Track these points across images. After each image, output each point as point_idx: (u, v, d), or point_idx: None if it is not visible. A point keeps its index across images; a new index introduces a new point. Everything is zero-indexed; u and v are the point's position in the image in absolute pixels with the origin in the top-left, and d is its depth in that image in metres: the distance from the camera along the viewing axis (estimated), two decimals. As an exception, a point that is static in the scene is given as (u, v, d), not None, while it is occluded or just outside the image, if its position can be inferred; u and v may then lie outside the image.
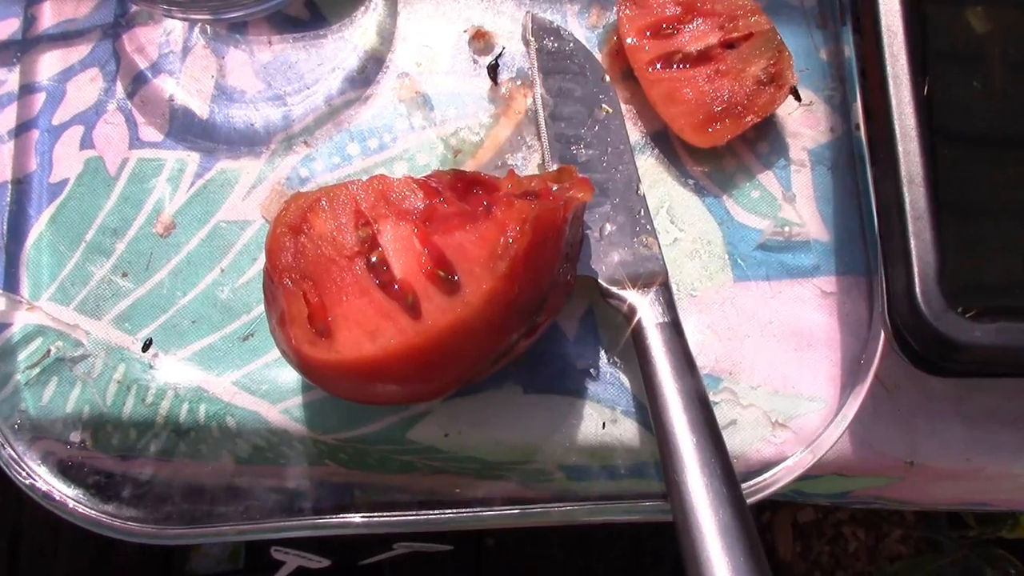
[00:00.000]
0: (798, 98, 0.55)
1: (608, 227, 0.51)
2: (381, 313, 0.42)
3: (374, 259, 0.42)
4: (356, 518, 0.51)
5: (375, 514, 0.51)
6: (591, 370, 0.51)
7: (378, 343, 0.41)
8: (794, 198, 0.54)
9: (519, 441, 0.51)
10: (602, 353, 0.52)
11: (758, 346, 0.52)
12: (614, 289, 0.50)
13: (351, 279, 0.43)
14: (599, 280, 0.50)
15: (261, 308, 0.52)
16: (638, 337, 0.48)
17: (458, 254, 0.42)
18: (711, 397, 0.50)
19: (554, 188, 0.45)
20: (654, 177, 0.55)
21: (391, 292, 0.42)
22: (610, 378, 0.51)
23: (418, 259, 0.42)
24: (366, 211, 0.44)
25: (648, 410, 0.47)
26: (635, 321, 0.48)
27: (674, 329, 0.48)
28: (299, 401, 0.51)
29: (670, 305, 0.49)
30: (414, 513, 0.50)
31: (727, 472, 0.45)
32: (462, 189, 0.46)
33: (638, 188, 0.53)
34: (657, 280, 0.50)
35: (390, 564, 1.19)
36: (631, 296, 0.49)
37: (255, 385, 0.52)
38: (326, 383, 0.44)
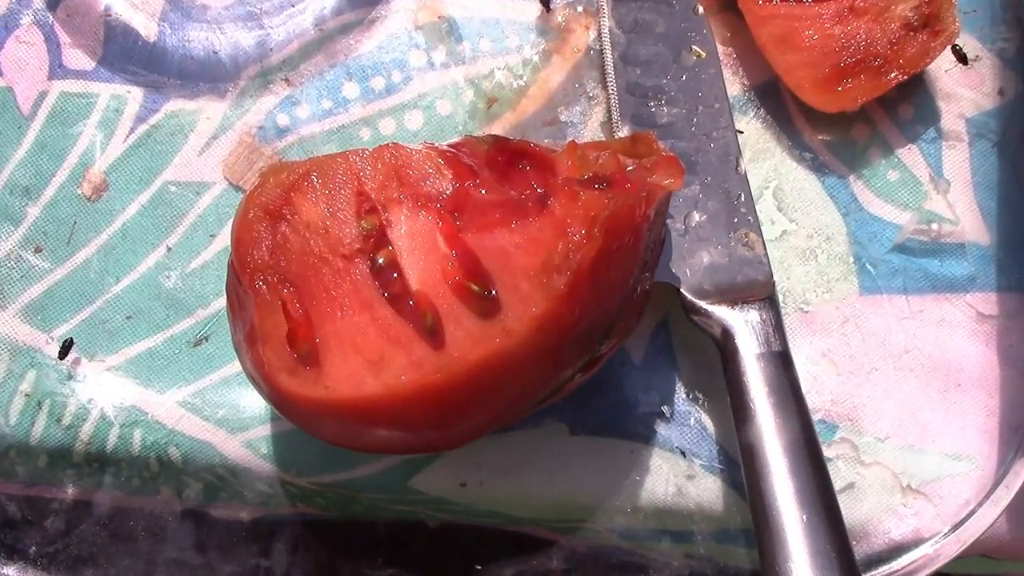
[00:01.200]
0: (961, 58, 0.51)
1: (696, 217, 0.49)
2: (388, 337, 0.39)
3: (381, 261, 0.40)
4: None
5: None
6: (663, 408, 0.49)
7: (383, 379, 0.39)
8: (946, 185, 0.52)
9: (561, 497, 0.49)
10: (679, 385, 0.50)
11: (889, 384, 0.49)
12: (701, 303, 0.47)
13: (349, 288, 0.40)
14: (681, 290, 0.47)
15: (220, 302, 0.50)
16: (731, 368, 0.46)
17: (498, 262, 0.39)
18: (824, 450, 0.47)
19: (629, 167, 0.42)
20: (759, 148, 0.52)
21: (403, 309, 0.40)
22: (689, 420, 0.49)
23: (443, 265, 0.40)
24: (372, 193, 0.41)
25: (740, 467, 0.45)
26: (728, 347, 0.46)
27: (781, 360, 0.46)
28: (267, 432, 0.50)
29: (777, 328, 0.46)
30: None
31: (844, 560, 0.43)
32: (504, 165, 0.43)
33: (738, 164, 0.50)
34: (760, 292, 0.47)
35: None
36: (723, 314, 0.47)
37: (209, 408, 0.50)
38: (308, 425, 0.42)
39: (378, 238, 0.41)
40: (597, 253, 0.38)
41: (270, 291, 0.41)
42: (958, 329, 0.50)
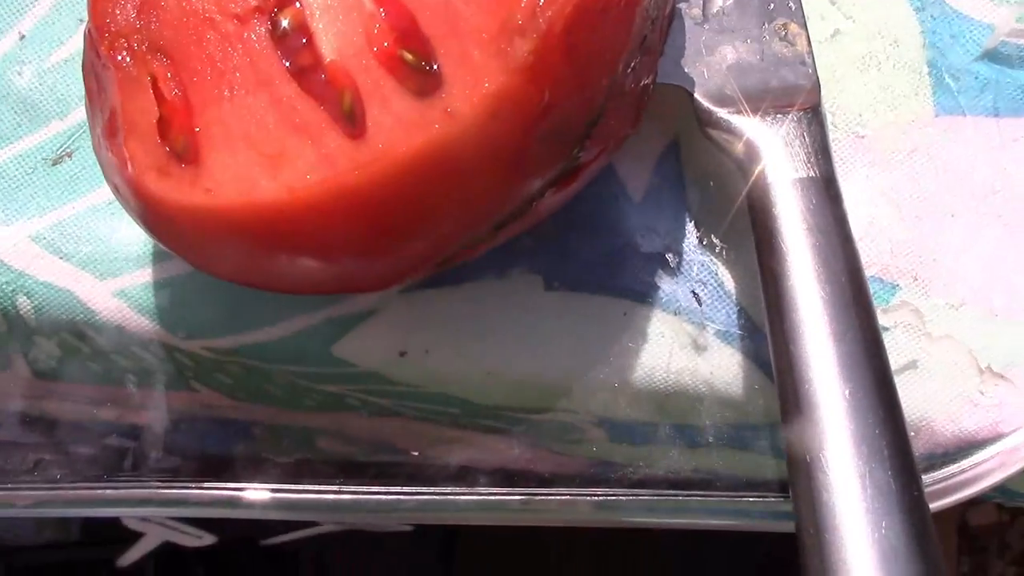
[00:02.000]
0: None
1: (718, 0, 0.46)
2: (292, 124, 0.38)
3: (286, 23, 0.38)
4: (247, 493, 0.49)
5: (278, 487, 0.48)
6: (668, 256, 0.48)
7: (282, 179, 0.37)
8: None
9: (532, 372, 0.47)
10: (690, 227, 0.48)
11: (969, 233, 0.48)
12: (722, 112, 0.45)
13: (242, 58, 0.39)
14: (695, 95, 0.45)
15: (88, 108, 0.47)
16: (757, 199, 0.44)
17: (442, 22, 0.37)
18: (879, 317, 0.45)
19: None
20: None
21: (313, 86, 0.38)
22: (702, 272, 0.48)
23: (367, 28, 0.38)
24: None
25: (767, 335, 0.43)
26: (756, 172, 0.44)
27: (825, 189, 0.44)
28: (147, 277, 0.48)
29: (821, 148, 0.44)
30: (344, 491, 0.48)
31: (899, 452, 0.41)
32: None
33: None
34: (801, 101, 0.45)
35: (314, 545, 1.19)
36: (750, 126, 0.45)
37: (70, 244, 0.48)
38: (187, 247, 0.40)
39: None
40: (575, 11, 0.36)
41: (136, 64, 0.39)
42: None
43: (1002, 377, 0.47)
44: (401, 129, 0.37)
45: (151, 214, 0.40)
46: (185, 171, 0.38)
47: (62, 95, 0.50)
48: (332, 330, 0.48)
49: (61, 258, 0.48)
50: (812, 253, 0.43)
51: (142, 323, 0.48)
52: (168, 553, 1.06)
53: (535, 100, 0.37)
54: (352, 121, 0.37)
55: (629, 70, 0.40)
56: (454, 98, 0.36)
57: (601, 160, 0.42)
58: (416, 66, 0.37)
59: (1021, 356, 0.48)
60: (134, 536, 1.00)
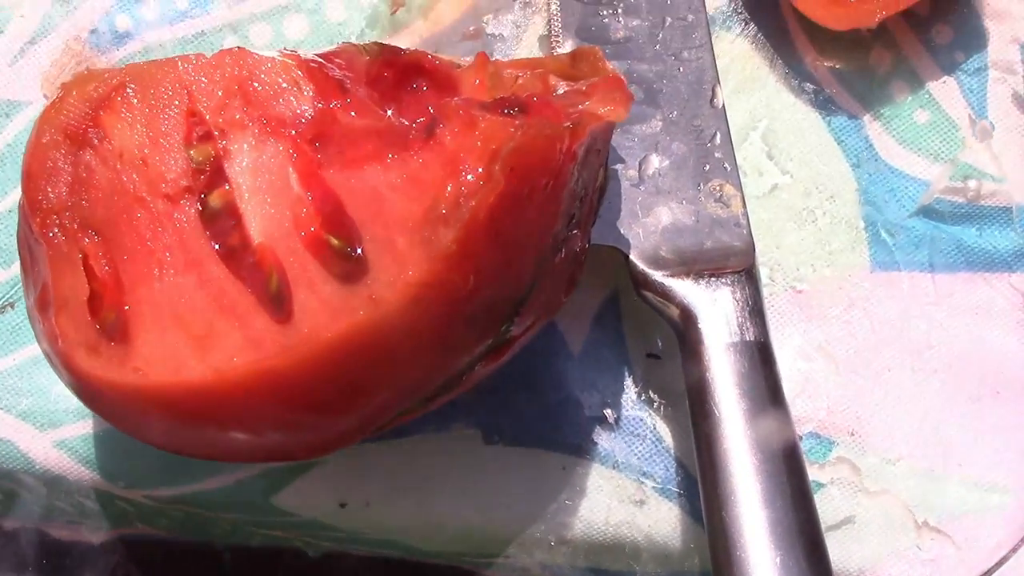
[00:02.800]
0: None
1: (655, 162, 0.47)
2: (220, 306, 0.37)
3: (215, 205, 0.38)
4: None
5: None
6: (606, 412, 0.48)
7: (210, 361, 0.37)
8: (990, 130, 0.50)
9: (471, 524, 0.47)
10: (629, 383, 0.48)
11: (905, 389, 0.48)
12: (656, 275, 0.45)
13: (172, 238, 0.39)
14: (630, 257, 0.45)
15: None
16: (691, 362, 0.44)
17: (368, 209, 0.37)
18: (814, 473, 0.46)
19: (559, 90, 0.41)
20: (745, 76, 0.50)
21: (242, 268, 0.38)
22: (640, 428, 0.48)
23: (295, 211, 0.38)
24: (207, 114, 0.39)
25: (699, 486, 0.43)
26: (689, 334, 0.44)
27: (758, 353, 0.44)
28: (87, 429, 0.48)
29: (754, 310, 0.44)
30: None
31: None
32: (392, 83, 0.41)
33: (714, 95, 0.48)
34: (735, 263, 0.45)
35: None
36: (684, 289, 0.45)
37: (10, 396, 0.48)
38: (117, 419, 0.40)
39: (212, 174, 0.39)
40: (498, 199, 0.36)
41: (68, 240, 0.39)
42: (998, 319, 0.49)
43: (938, 531, 0.47)
44: (326, 314, 0.36)
45: (81, 387, 0.39)
46: (115, 349, 0.38)
47: (3, 246, 0.50)
48: (271, 482, 0.47)
49: (1, 409, 0.48)
50: (744, 418, 0.43)
51: (82, 473, 0.48)
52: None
53: (460, 286, 0.37)
54: (279, 304, 0.37)
55: (558, 245, 0.40)
56: (378, 285, 0.36)
57: (533, 331, 0.42)
58: (341, 251, 0.37)
59: (957, 511, 0.48)
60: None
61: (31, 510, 0.49)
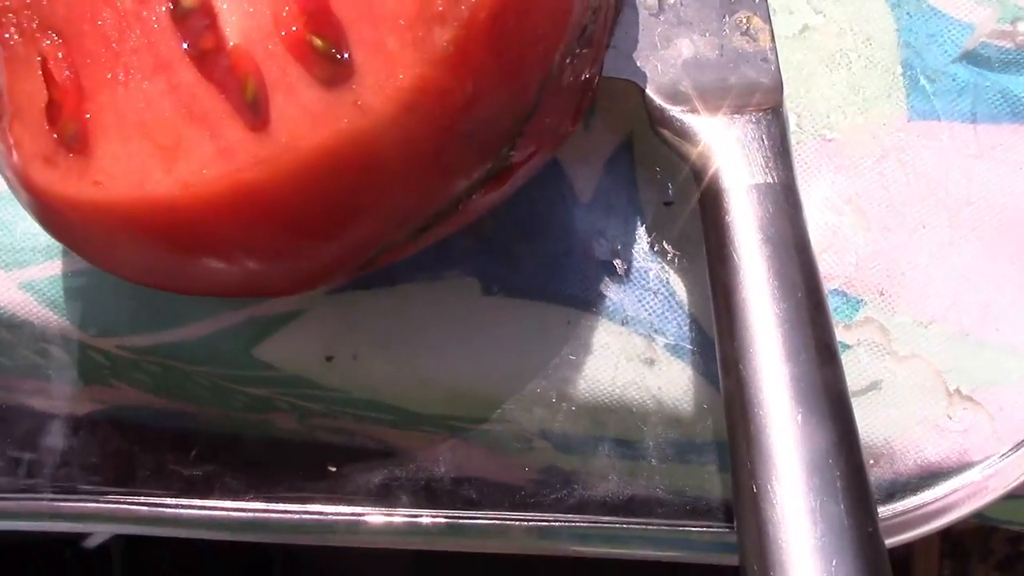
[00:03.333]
0: None
1: None
2: (191, 113, 0.35)
3: (188, 2, 0.36)
4: (150, 509, 0.47)
5: (180, 503, 0.46)
6: (616, 262, 0.45)
7: (176, 173, 0.35)
8: None
9: (467, 381, 0.45)
10: (641, 231, 0.46)
11: (940, 246, 0.46)
12: (675, 111, 0.42)
13: (139, 40, 0.36)
14: (647, 91, 0.43)
15: None
16: (712, 208, 0.41)
17: (356, 5, 0.34)
18: (840, 334, 0.44)
19: None
20: None
21: (215, 72, 0.35)
22: (652, 281, 0.45)
23: (275, 9, 0.35)
24: None
25: (716, 350, 0.41)
26: (709, 176, 0.42)
27: (783, 196, 0.41)
28: (56, 270, 0.45)
29: (780, 152, 0.42)
30: (247, 509, 0.46)
31: (854, 485, 0.39)
32: None
33: None
34: (761, 101, 0.43)
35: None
36: (704, 125, 0.42)
37: None
38: (80, 243, 0.38)
39: None
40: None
41: (25, 42, 0.37)
42: None
43: (971, 400, 0.46)
44: (307, 122, 0.34)
45: (39, 206, 0.37)
46: (73, 161, 0.36)
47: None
48: (253, 331, 0.45)
49: None
50: (766, 265, 0.41)
51: (50, 318, 0.46)
52: (135, 535, 1.05)
53: (456, 94, 0.34)
54: (255, 111, 0.34)
55: (567, 63, 0.37)
56: (365, 90, 0.34)
57: (536, 160, 0.40)
58: (325, 53, 0.34)
59: (992, 378, 0.46)
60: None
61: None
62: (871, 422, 0.45)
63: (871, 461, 0.45)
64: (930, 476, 0.46)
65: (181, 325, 0.45)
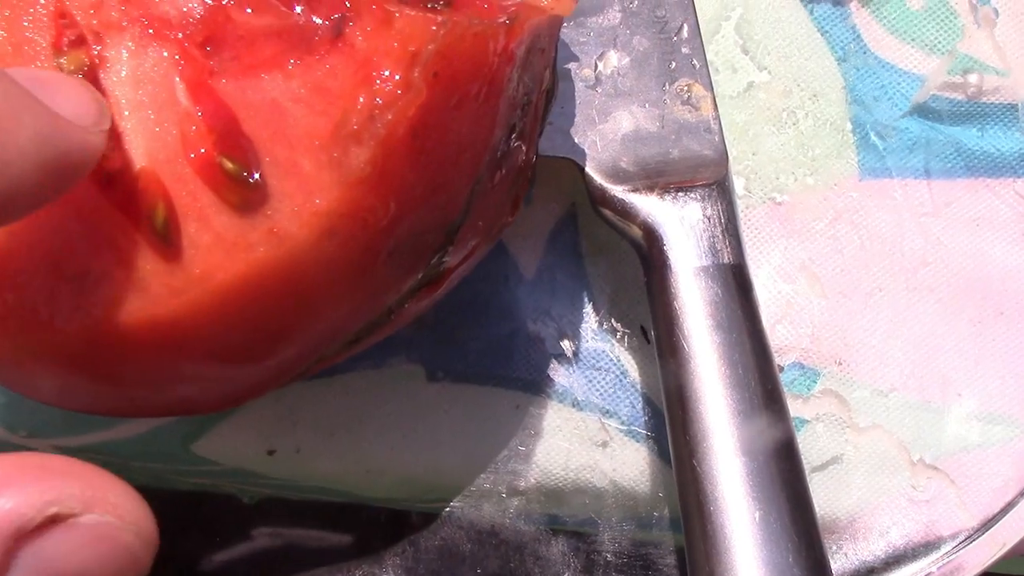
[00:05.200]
0: None
1: (614, 59, 0.43)
2: (97, 241, 0.33)
3: None
4: None
5: None
6: (564, 343, 0.44)
7: (88, 309, 0.33)
8: (993, 17, 0.47)
9: (416, 471, 0.44)
10: (589, 310, 0.45)
11: (899, 311, 0.45)
12: (617, 191, 0.41)
13: None
14: (586, 170, 0.41)
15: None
16: (660, 292, 0.40)
17: (268, 125, 0.33)
18: (797, 408, 0.43)
19: None
20: None
21: (122, 197, 0.33)
22: (602, 362, 0.45)
23: (183, 129, 0.33)
24: (79, 14, 0.35)
25: (667, 429, 0.40)
26: (654, 257, 0.40)
27: (732, 277, 0.40)
28: None
29: (728, 228, 0.41)
30: None
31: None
32: None
33: None
34: (706, 175, 0.41)
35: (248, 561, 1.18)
36: (649, 206, 0.41)
37: None
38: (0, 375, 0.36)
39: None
40: (420, 111, 0.32)
41: None
42: (1002, 231, 0.46)
43: (936, 470, 0.45)
44: (221, 251, 0.32)
45: None
46: None
47: None
48: (190, 427, 0.44)
49: None
50: (718, 354, 0.39)
51: None
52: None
53: (378, 215, 0.33)
54: (166, 240, 0.33)
55: (498, 162, 0.36)
56: (281, 216, 0.32)
57: (472, 260, 0.38)
58: (237, 176, 0.32)
59: (956, 446, 0.45)
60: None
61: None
62: (832, 499, 0.44)
63: (834, 547, 0.44)
64: (899, 555, 0.45)
65: (114, 425, 0.44)
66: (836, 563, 0.43)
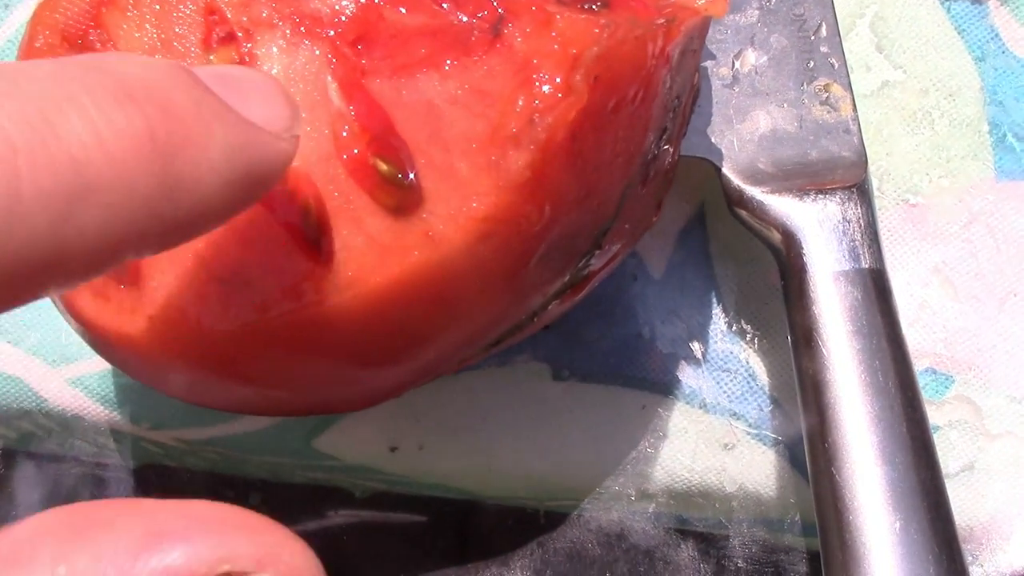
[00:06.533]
0: None
1: (751, 58, 0.42)
2: (247, 243, 0.33)
3: None
4: None
5: None
6: (693, 344, 0.43)
7: (235, 310, 0.33)
8: None
9: (539, 470, 0.43)
10: (718, 311, 0.44)
11: None
12: (752, 191, 0.40)
13: None
14: (723, 171, 0.40)
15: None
16: (795, 292, 0.39)
17: (423, 126, 0.32)
18: (930, 414, 0.41)
19: None
20: None
21: (272, 198, 0.33)
22: (730, 363, 0.44)
23: (335, 129, 0.33)
24: (229, 10, 0.34)
25: (803, 436, 0.39)
26: (792, 260, 0.39)
27: (873, 283, 0.39)
28: (107, 365, 0.43)
29: (868, 232, 0.40)
30: None
31: None
32: None
33: None
34: (845, 176, 0.40)
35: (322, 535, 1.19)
36: (787, 208, 0.40)
37: (17, 329, 0.44)
38: (134, 372, 0.36)
39: None
40: (580, 116, 0.31)
41: None
42: None
43: None
44: (374, 254, 0.32)
45: (90, 336, 0.35)
46: (125, 294, 0.34)
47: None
48: (313, 422, 0.43)
49: (9, 343, 0.44)
50: (857, 359, 0.38)
51: (101, 413, 0.44)
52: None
53: (533, 219, 0.32)
54: (317, 242, 0.32)
55: (648, 165, 0.35)
56: (436, 219, 0.31)
57: (615, 262, 0.37)
58: (391, 178, 0.32)
59: None
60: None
61: (49, 450, 0.46)
62: (965, 507, 0.43)
63: (970, 557, 0.43)
64: (1034, 564, 0.43)
65: (237, 419, 0.44)
66: (972, 574, 0.42)
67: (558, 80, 0.31)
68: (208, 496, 0.45)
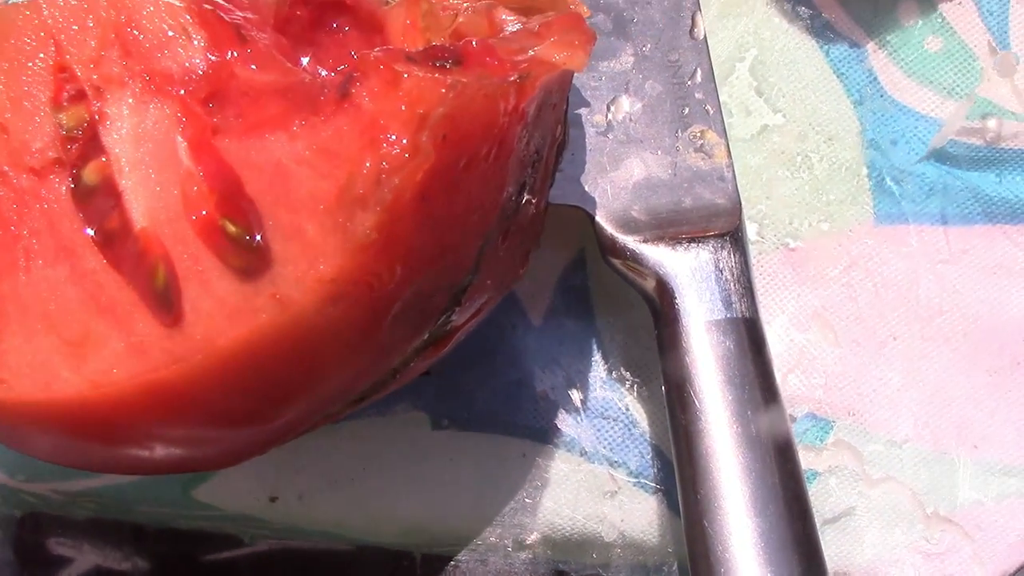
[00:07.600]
0: None
1: (625, 105, 0.42)
2: (97, 304, 0.33)
3: (90, 181, 0.34)
4: None
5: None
6: (572, 391, 0.44)
7: (85, 372, 0.32)
8: (1013, 62, 0.46)
9: (420, 519, 0.44)
10: (597, 358, 0.44)
11: (913, 361, 0.44)
12: (627, 241, 0.40)
13: (39, 222, 0.34)
14: (597, 218, 0.41)
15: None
16: (670, 345, 0.40)
17: (272, 187, 0.32)
18: (810, 460, 0.43)
19: (509, 28, 0.36)
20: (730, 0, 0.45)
21: (123, 258, 0.33)
22: (611, 411, 0.44)
23: (185, 189, 0.33)
24: (79, 69, 0.34)
25: (678, 486, 0.39)
26: (665, 309, 0.40)
27: (746, 331, 0.39)
28: None
29: (741, 280, 0.40)
30: None
31: None
32: (306, 25, 0.37)
33: (694, 24, 0.43)
34: (719, 224, 0.41)
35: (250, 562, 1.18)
36: (660, 256, 0.40)
37: None
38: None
39: (86, 143, 0.34)
40: (428, 176, 0.31)
41: None
42: (1019, 279, 0.45)
43: (951, 523, 0.44)
44: (222, 316, 0.32)
45: None
46: None
47: None
48: (190, 474, 0.44)
49: None
50: (729, 411, 0.39)
51: None
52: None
53: (384, 280, 0.32)
54: (167, 304, 0.32)
55: (508, 221, 0.35)
56: (284, 281, 0.31)
57: (481, 316, 0.37)
58: (239, 240, 0.32)
59: (973, 499, 0.44)
60: (63, 561, 0.99)
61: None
62: (845, 552, 0.43)
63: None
64: (912, 614, 0.44)
65: (98, 475, 0.44)
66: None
67: (404, 141, 0.31)
68: (97, 541, 0.45)
